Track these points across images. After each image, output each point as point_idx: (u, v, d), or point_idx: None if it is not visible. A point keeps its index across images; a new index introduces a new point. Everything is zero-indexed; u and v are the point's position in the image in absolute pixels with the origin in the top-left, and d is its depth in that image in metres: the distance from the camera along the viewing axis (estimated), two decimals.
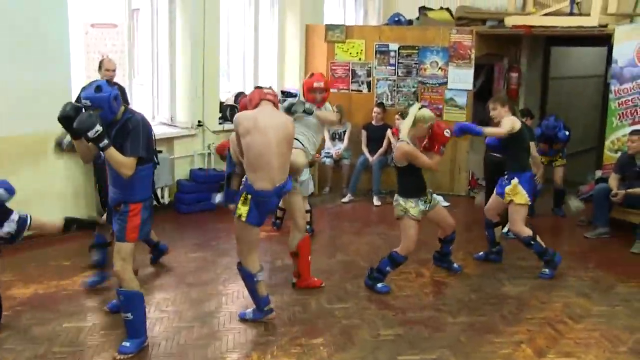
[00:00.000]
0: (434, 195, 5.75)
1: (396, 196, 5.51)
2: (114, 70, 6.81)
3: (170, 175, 7.93)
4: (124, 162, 4.12)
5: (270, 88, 5.13)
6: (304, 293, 5.46)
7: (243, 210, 4.63)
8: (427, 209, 5.53)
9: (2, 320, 4.73)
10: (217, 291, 5.52)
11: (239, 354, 4.42)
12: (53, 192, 6.73)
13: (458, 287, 5.70)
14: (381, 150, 9.00)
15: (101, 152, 4.15)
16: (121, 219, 4.27)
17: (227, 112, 8.73)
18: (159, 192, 7.68)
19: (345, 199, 8.79)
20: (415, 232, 5.46)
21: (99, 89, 4.10)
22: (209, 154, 8.43)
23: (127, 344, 4.34)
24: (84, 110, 4.12)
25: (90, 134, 3.97)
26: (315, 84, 5.77)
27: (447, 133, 5.46)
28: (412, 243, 5.48)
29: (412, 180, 5.45)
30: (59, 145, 6.66)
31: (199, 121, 8.27)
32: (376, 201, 8.72)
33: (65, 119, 4.15)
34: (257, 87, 5.26)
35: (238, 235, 4.80)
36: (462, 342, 4.62)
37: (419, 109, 5.42)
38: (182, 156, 8.20)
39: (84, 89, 4.24)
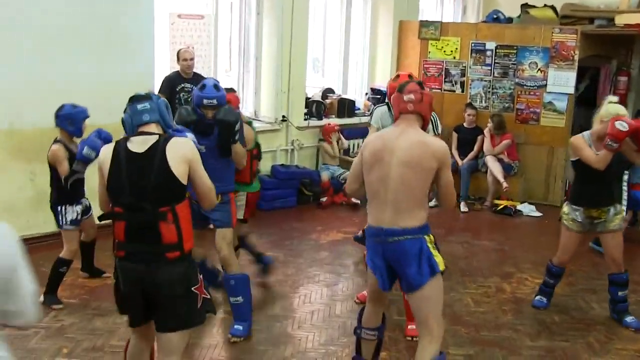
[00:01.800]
0: (612, 215, 4.78)
1: None
2: (191, 59, 6.75)
3: None
4: (244, 153, 4.38)
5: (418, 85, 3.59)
6: None
7: None
8: (587, 224, 4.83)
9: (68, 308, 4.80)
10: (284, 293, 5.35)
11: None
12: None
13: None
14: (471, 154, 8.58)
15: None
16: (224, 208, 4.44)
17: (314, 108, 8.59)
18: None
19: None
20: (568, 243, 4.95)
21: (217, 87, 4.25)
22: (292, 149, 8.31)
23: (240, 326, 4.44)
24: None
25: (237, 126, 4.19)
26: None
27: (620, 126, 4.48)
28: (563, 253, 5.02)
29: (577, 184, 4.93)
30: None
31: (283, 116, 8.14)
32: (463, 207, 8.29)
33: (233, 125, 4.24)
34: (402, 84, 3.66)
35: None
36: None
37: (609, 102, 4.75)
38: (264, 151, 8.04)
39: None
